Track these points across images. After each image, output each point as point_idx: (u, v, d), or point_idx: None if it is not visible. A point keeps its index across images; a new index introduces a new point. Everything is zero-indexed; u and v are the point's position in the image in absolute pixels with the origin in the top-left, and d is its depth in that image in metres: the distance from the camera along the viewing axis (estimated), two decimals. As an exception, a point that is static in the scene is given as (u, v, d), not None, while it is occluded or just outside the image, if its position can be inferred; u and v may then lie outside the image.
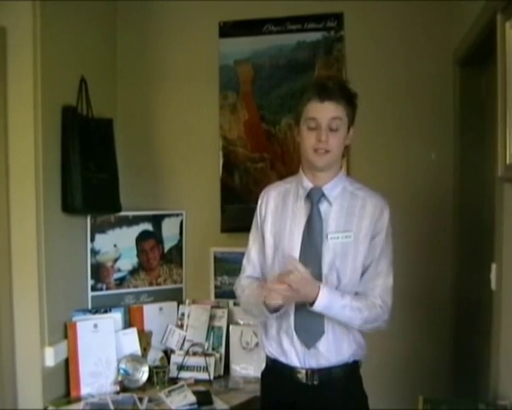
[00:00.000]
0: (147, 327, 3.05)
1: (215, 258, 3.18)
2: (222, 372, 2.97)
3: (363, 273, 2.00)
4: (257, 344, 2.94)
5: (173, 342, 3.04)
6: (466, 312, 2.71)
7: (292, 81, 3.08)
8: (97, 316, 2.89)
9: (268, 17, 3.09)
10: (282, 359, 2.03)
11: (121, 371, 2.79)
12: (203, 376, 2.89)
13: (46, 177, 2.54)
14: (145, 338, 2.99)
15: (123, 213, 3.05)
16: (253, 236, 2.19)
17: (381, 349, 2.84)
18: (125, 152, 3.17)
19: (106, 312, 2.93)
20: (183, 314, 3.11)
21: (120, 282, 3.07)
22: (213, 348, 3.02)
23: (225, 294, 3.15)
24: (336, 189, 2.02)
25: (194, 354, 2.97)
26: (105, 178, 2.88)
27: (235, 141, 3.17)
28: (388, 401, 2.73)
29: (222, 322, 3.06)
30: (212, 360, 2.92)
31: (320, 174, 2.01)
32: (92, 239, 2.97)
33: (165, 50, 3.25)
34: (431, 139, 2.93)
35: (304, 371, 1.98)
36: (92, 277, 2.98)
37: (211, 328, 3.05)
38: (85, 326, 2.77)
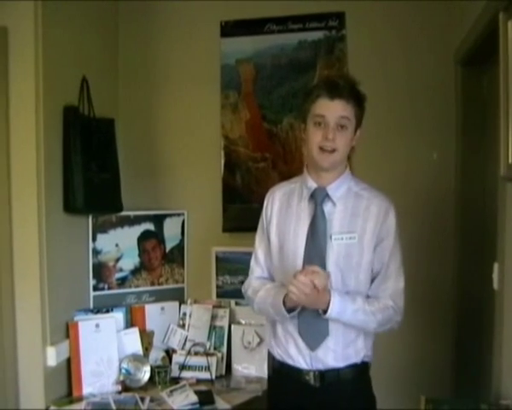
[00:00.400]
0: (148, 327, 3.05)
1: (217, 258, 3.18)
2: (224, 372, 2.97)
3: (373, 278, 1.99)
4: (259, 344, 2.94)
5: (175, 342, 3.04)
6: (468, 311, 2.71)
7: (293, 81, 3.08)
8: (99, 316, 2.89)
9: (269, 16, 3.09)
10: (290, 361, 2.01)
11: (123, 371, 2.79)
12: (205, 375, 2.89)
13: (48, 177, 2.54)
14: (147, 338, 2.99)
15: (124, 213, 3.06)
16: (259, 237, 2.18)
17: (382, 349, 2.83)
18: (127, 152, 3.17)
19: (108, 311, 2.94)
20: (184, 314, 3.11)
21: (122, 282, 3.07)
22: (215, 348, 3.02)
23: (227, 293, 3.15)
24: (340, 189, 2.00)
25: (196, 353, 2.97)
26: (106, 177, 2.88)
27: (236, 140, 3.17)
28: (390, 401, 2.72)
29: (224, 322, 3.06)
30: (213, 360, 2.92)
31: (324, 174, 1.99)
32: (94, 239, 2.97)
33: (167, 50, 3.25)
34: (433, 139, 2.93)
35: (311, 373, 1.97)
36: (94, 276, 2.98)
37: (212, 328, 3.05)
38: (87, 326, 2.77)
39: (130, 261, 3.10)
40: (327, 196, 1.98)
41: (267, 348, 2.17)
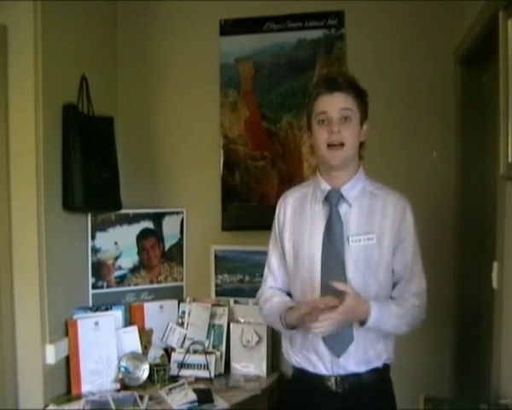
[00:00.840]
0: (147, 325, 3.05)
1: (216, 256, 3.17)
2: (222, 370, 2.97)
3: (396, 280, 1.95)
4: (258, 342, 2.94)
5: (174, 340, 3.04)
6: (467, 310, 2.71)
7: (292, 79, 3.08)
8: (98, 314, 2.89)
9: (269, 15, 3.09)
10: (310, 368, 1.96)
11: (122, 369, 2.79)
12: (204, 374, 2.89)
13: (47, 175, 2.54)
14: (146, 336, 2.99)
15: (123, 211, 3.06)
16: (272, 244, 2.13)
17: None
18: (126, 150, 3.17)
19: (106, 310, 2.94)
20: (183, 312, 3.11)
21: (121, 280, 3.07)
22: (214, 347, 3.02)
23: (226, 292, 3.16)
24: (355, 189, 1.95)
25: (195, 352, 2.97)
26: (106, 176, 2.88)
27: (235, 139, 3.17)
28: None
29: (222, 320, 3.06)
30: (212, 359, 2.92)
31: (337, 174, 1.94)
32: (93, 237, 2.97)
33: (166, 48, 3.25)
34: (432, 138, 2.93)
35: (333, 379, 1.92)
36: (93, 275, 2.98)
37: (211, 326, 3.05)
38: (86, 324, 2.77)
39: (129, 260, 3.10)
40: (342, 197, 1.93)
41: (283, 353, 2.12)
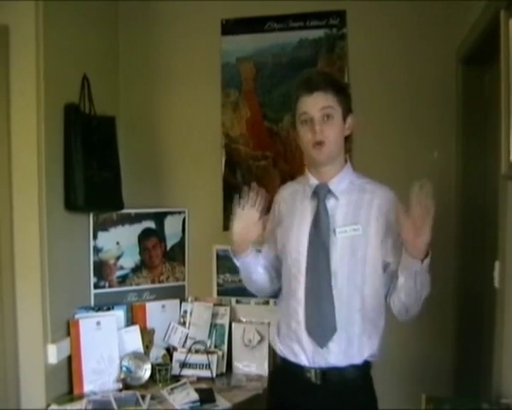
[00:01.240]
0: (149, 325, 3.05)
1: (217, 256, 3.18)
2: (224, 370, 2.97)
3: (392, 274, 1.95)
4: (259, 342, 2.95)
5: (176, 340, 3.05)
6: (469, 310, 2.71)
7: (294, 79, 3.03)
8: (100, 313, 2.89)
9: (270, 15, 3.09)
10: (292, 357, 2.00)
11: (124, 369, 2.79)
12: (205, 373, 2.89)
13: (49, 175, 2.54)
14: (147, 336, 2.99)
15: (125, 211, 3.06)
16: (267, 236, 2.20)
17: (383, 348, 2.84)
18: (128, 150, 3.17)
19: (108, 309, 2.94)
20: (185, 312, 3.11)
21: (123, 279, 3.08)
22: (216, 346, 3.02)
23: (228, 291, 3.16)
24: (342, 183, 1.99)
25: (197, 351, 2.97)
26: (107, 175, 2.88)
27: (237, 139, 3.17)
28: (391, 400, 2.73)
29: (224, 320, 3.06)
30: (214, 358, 2.92)
31: (324, 169, 1.99)
32: (95, 237, 2.98)
33: (168, 48, 3.25)
34: (433, 137, 2.92)
35: (313, 371, 1.95)
36: (95, 274, 2.98)
37: (213, 326, 3.05)
38: (88, 324, 2.78)
39: (130, 259, 3.10)
40: (329, 191, 1.98)
41: (270, 344, 2.18)
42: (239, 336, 3.01)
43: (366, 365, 2.00)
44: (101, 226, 3.00)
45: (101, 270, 3.01)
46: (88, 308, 2.90)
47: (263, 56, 3.13)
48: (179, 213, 3.21)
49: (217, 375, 2.91)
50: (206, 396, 2.62)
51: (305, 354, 1.96)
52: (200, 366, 2.93)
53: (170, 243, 3.20)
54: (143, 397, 2.61)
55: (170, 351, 3.03)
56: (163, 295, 3.15)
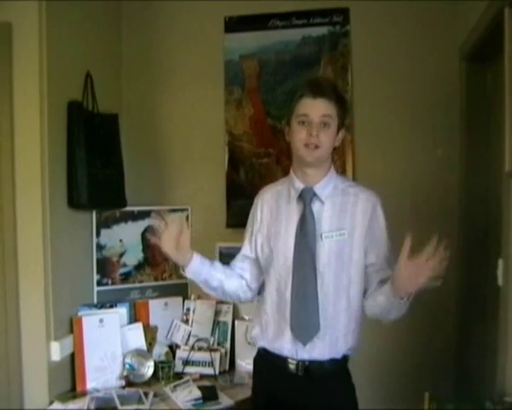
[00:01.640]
0: (152, 322, 3.06)
1: (220, 253, 3.17)
2: (227, 367, 2.97)
3: (374, 272, 1.98)
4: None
5: (178, 338, 3.05)
6: (472, 308, 2.70)
7: (297, 76, 3.07)
8: (103, 311, 2.89)
9: (273, 12, 3.09)
10: (275, 351, 2.04)
11: (127, 366, 2.80)
12: (208, 371, 2.89)
13: (52, 172, 2.54)
14: (150, 333, 3.00)
15: (128, 209, 3.06)
16: (247, 239, 2.23)
17: (384, 347, 2.84)
18: (131, 147, 3.17)
19: (111, 307, 2.94)
20: (188, 309, 3.11)
21: (126, 277, 3.08)
22: (219, 344, 3.02)
23: (230, 289, 3.15)
24: (327, 188, 2.02)
25: (200, 349, 2.97)
26: (110, 173, 2.88)
27: (240, 136, 3.17)
28: (392, 400, 2.73)
29: (227, 317, 3.06)
30: (217, 356, 2.92)
31: (310, 172, 2.01)
32: (98, 234, 2.98)
33: (171, 45, 3.25)
34: (437, 135, 2.92)
35: (295, 363, 1.99)
36: (98, 272, 2.99)
37: (216, 323, 3.05)
38: (91, 321, 2.78)
39: (133, 257, 3.10)
40: (314, 195, 2.00)
41: (251, 339, 2.22)
42: (242, 334, 3.01)
43: (345, 358, 2.04)
44: (104, 224, 3.00)
45: (105, 267, 3.01)
46: (91, 306, 2.90)
47: (266, 54, 3.12)
48: (182, 210, 3.21)
49: (220, 372, 2.91)
50: (209, 394, 2.62)
51: (288, 348, 2.00)
52: (203, 363, 2.93)
53: (173, 241, 3.19)
54: (146, 394, 2.61)
55: (173, 349, 3.03)
56: (166, 293, 3.15)
